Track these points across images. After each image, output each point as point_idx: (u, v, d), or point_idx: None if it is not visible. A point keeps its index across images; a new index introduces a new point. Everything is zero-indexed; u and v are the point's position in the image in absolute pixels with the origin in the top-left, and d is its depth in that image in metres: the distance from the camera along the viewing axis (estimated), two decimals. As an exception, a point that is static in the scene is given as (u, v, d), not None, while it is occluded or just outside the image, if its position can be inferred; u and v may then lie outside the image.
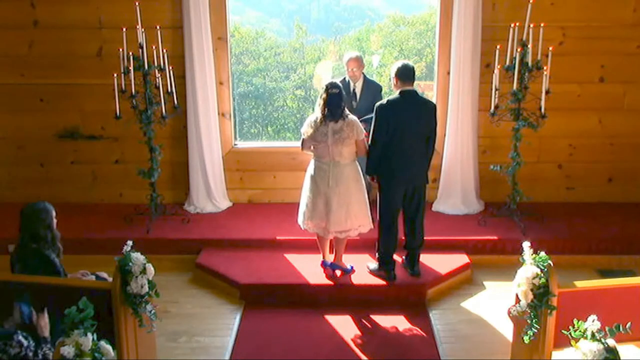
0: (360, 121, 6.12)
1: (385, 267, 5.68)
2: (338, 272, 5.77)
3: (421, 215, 5.69)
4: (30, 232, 4.51)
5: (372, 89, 6.49)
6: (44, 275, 4.43)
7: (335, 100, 5.32)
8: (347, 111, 5.42)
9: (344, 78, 6.46)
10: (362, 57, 6.56)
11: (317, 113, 5.41)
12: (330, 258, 5.82)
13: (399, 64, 5.49)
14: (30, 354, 3.45)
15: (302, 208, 5.60)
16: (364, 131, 5.50)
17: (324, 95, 5.33)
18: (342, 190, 5.41)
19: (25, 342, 3.45)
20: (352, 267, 5.80)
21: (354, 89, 6.44)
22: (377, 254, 5.74)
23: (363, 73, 6.52)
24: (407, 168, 5.47)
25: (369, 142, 5.50)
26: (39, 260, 4.48)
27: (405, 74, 5.43)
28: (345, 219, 5.46)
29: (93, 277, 4.78)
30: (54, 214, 4.60)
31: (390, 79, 5.62)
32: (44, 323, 3.71)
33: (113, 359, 3.65)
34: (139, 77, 6.31)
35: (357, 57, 6.47)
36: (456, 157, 6.88)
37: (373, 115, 6.33)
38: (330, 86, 5.34)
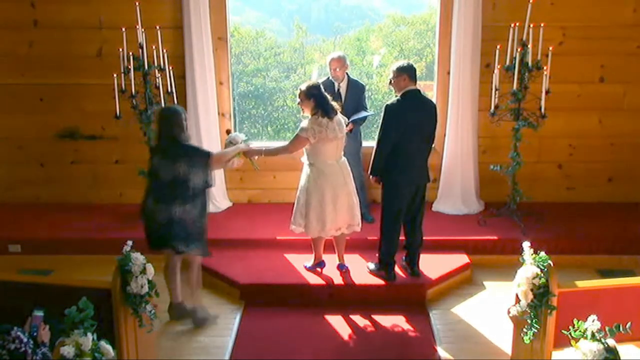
0: (352, 121, 6.14)
1: (385, 267, 5.68)
2: (337, 272, 5.78)
3: (421, 215, 5.69)
4: (167, 130, 5.00)
5: (357, 88, 6.47)
6: (186, 156, 4.96)
7: (326, 97, 5.36)
8: None
9: (328, 78, 6.44)
10: (346, 57, 6.51)
11: (314, 116, 5.34)
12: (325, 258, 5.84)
13: (402, 63, 5.46)
14: (29, 351, 3.45)
15: (318, 217, 5.45)
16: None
17: (315, 98, 5.32)
18: (350, 183, 5.56)
19: (24, 338, 3.45)
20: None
21: (338, 90, 6.38)
22: (377, 253, 5.74)
23: (347, 73, 6.48)
24: (414, 168, 5.48)
25: (376, 142, 5.49)
26: (181, 147, 4.98)
27: (413, 73, 5.42)
28: (357, 210, 5.62)
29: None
30: (184, 116, 5.08)
31: (390, 79, 5.56)
32: (45, 333, 3.73)
33: (113, 359, 3.65)
34: (139, 77, 6.32)
35: (340, 57, 6.44)
36: (456, 157, 6.88)
37: (366, 117, 6.38)
38: (314, 88, 5.35)
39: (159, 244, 5.07)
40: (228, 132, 5.63)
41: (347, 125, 6.03)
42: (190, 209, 5.01)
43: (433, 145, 5.73)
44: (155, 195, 5.03)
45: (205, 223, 5.16)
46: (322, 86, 5.42)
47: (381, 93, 9.48)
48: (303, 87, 5.42)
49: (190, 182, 4.97)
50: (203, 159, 5.01)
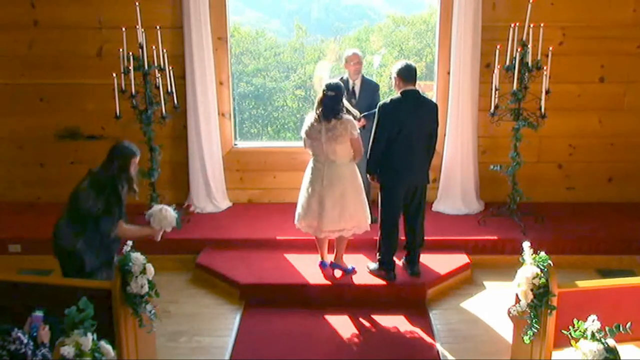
0: (363, 116, 6.14)
1: (385, 267, 5.68)
2: (338, 273, 5.77)
3: (422, 216, 5.69)
4: (106, 162, 4.79)
5: (370, 87, 6.50)
6: (104, 196, 4.67)
7: (329, 102, 5.29)
8: (343, 111, 5.36)
9: (342, 77, 6.45)
10: (362, 55, 6.57)
11: (314, 112, 5.43)
12: (328, 258, 5.83)
13: (400, 64, 5.47)
14: (29, 352, 3.46)
15: (298, 207, 5.63)
16: (358, 130, 5.46)
17: (320, 96, 5.35)
18: (336, 191, 5.41)
19: (24, 339, 3.46)
20: (352, 268, 5.79)
21: (353, 88, 6.43)
22: (377, 254, 5.74)
23: (362, 73, 6.52)
24: (410, 168, 5.47)
25: (370, 141, 5.49)
26: (106, 181, 4.71)
27: (407, 74, 5.42)
28: (338, 219, 5.45)
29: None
30: (135, 159, 4.83)
31: (390, 79, 5.60)
32: (45, 333, 3.74)
33: (113, 359, 3.65)
34: (139, 77, 6.32)
35: (359, 53, 6.49)
36: (456, 157, 6.88)
37: (376, 113, 6.37)
38: (327, 88, 5.33)
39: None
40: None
41: (359, 120, 6.03)
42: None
43: (436, 147, 5.70)
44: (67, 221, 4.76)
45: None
46: (326, 90, 5.30)
47: (381, 93, 9.46)
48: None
49: (100, 225, 4.69)
50: (116, 213, 4.72)
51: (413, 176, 5.51)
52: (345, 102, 5.45)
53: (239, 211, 7.06)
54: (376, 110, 5.48)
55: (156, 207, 4.95)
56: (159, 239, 4.85)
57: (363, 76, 6.53)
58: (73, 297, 3.67)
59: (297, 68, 10.03)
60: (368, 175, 5.63)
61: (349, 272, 5.76)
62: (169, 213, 4.90)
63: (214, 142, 6.96)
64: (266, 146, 7.70)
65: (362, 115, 6.15)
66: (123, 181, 4.76)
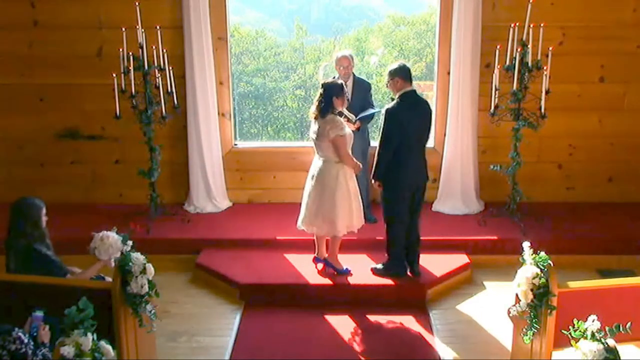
0: (359, 119, 6.15)
1: (397, 262, 5.66)
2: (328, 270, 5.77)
3: (419, 213, 5.69)
4: (17, 226, 4.51)
5: (362, 87, 6.49)
6: (37, 266, 4.44)
7: (317, 100, 5.42)
8: (336, 111, 5.42)
9: (334, 77, 6.44)
10: (353, 56, 6.56)
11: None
12: (324, 255, 5.84)
13: (396, 64, 5.49)
14: (30, 352, 3.46)
15: None
16: (343, 130, 5.39)
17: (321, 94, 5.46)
18: (317, 188, 5.49)
19: (25, 339, 3.46)
20: (348, 270, 5.77)
21: None
22: (387, 254, 5.70)
23: (352, 72, 6.50)
24: (415, 167, 5.49)
25: (378, 147, 5.47)
26: (28, 253, 4.46)
27: (406, 74, 5.44)
28: (314, 216, 5.53)
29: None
30: (43, 211, 4.60)
31: (387, 81, 5.57)
32: (45, 333, 3.73)
33: (113, 359, 3.65)
34: (139, 77, 6.32)
35: (349, 55, 6.47)
36: (456, 157, 6.88)
37: (373, 114, 6.37)
38: (320, 86, 5.46)
39: None
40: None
41: (354, 124, 6.05)
42: None
43: (431, 144, 5.72)
44: None
45: None
46: (330, 88, 5.39)
47: (381, 93, 9.48)
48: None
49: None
50: (56, 274, 4.46)
51: (417, 175, 5.53)
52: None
53: (239, 211, 7.05)
54: (383, 117, 5.44)
55: (96, 239, 4.59)
56: (112, 265, 4.43)
57: (354, 76, 6.52)
58: (73, 297, 3.67)
59: (297, 68, 10.03)
60: (374, 181, 5.60)
61: (341, 273, 5.73)
62: (112, 239, 4.56)
63: (214, 142, 6.96)
64: (266, 146, 7.70)
65: (357, 118, 6.16)
66: (39, 240, 4.49)
